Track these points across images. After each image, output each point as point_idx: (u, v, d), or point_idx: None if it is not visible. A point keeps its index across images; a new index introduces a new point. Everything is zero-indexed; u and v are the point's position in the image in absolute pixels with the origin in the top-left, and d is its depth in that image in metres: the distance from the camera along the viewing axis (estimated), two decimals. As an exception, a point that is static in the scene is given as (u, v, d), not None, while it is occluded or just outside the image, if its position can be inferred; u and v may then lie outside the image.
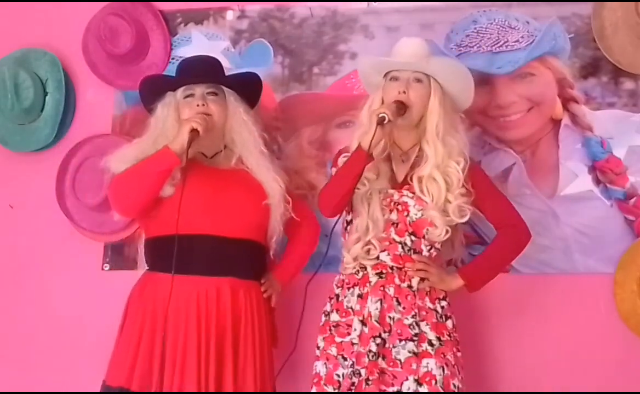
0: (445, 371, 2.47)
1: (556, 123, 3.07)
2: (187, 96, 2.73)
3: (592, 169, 3.01)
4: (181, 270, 2.58)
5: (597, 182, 3.00)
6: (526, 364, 2.94)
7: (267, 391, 2.68)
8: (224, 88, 2.78)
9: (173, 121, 2.71)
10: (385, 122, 2.48)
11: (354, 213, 2.64)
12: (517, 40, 3.10)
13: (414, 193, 2.59)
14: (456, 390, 2.48)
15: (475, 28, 3.15)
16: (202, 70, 2.78)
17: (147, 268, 2.77)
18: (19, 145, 3.42)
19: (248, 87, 2.85)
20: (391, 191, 2.62)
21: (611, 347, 2.90)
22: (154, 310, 2.60)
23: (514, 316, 2.95)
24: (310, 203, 3.05)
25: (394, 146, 2.67)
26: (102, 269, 3.31)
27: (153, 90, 2.80)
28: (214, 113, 2.71)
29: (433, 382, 2.45)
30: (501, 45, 3.11)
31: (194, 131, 2.58)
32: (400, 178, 2.64)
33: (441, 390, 2.44)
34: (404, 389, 2.44)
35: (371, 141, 2.48)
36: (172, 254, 2.56)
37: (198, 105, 2.69)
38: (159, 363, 2.54)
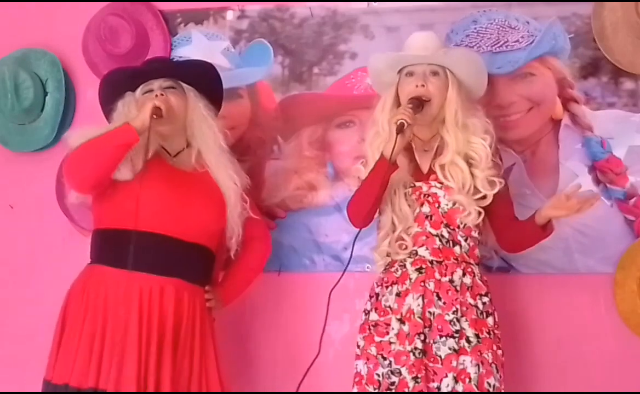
0: (481, 370, 2.45)
1: (556, 123, 3.07)
2: (146, 92, 2.73)
3: (592, 169, 3.01)
4: (126, 265, 2.55)
5: (597, 182, 3.00)
6: (526, 364, 2.94)
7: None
8: (184, 85, 2.76)
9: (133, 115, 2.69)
10: (405, 127, 2.48)
11: (380, 211, 2.64)
12: (517, 40, 3.11)
13: (442, 183, 2.58)
14: (491, 389, 2.45)
15: (475, 28, 3.15)
16: (159, 65, 2.80)
17: (90, 260, 2.74)
18: (19, 145, 3.42)
19: (208, 84, 2.82)
20: (419, 183, 2.61)
21: (611, 347, 2.90)
22: (96, 304, 2.58)
23: (514, 316, 2.95)
24: (309, 204, 3.06)
25: (414, 137, 2.67)
26: (102, 269, 3.31)
27: (114, 89, 2.78)
28: (173, 105, 2.69)
29: (467, 380, 2.43)
30: (501, 45, 3.11)
31: (156, 109, 2.56)
32: (425, 168, 2.64)
33: (475, 389, 2.42)
34: (443, 386, 2.43)
35: (392, 150, 2.48)
36: (120, 248, 2.55)
37: (157, 96, 2.67)
38: (97, 358, 2.52)
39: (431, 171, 2.62)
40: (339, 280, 2.58)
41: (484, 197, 2.58)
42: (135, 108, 2.71)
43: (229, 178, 2.74)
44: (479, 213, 2.57)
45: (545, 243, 2.95)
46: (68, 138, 2.70)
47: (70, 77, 3.44)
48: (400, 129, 2.47)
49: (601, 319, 2.93)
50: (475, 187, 2.58)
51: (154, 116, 2.56)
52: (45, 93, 3.41)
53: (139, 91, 2.75)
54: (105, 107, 2.80)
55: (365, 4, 3.27)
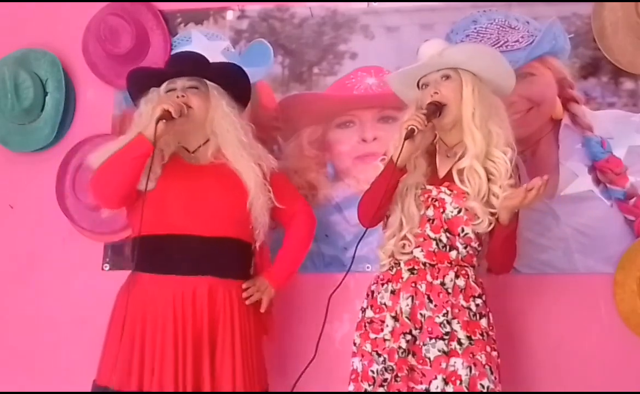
0: (473, 371, 2.43)
1: (556, 123, 3.07)
2: (169, 90, 2.73)
3: (592, 169, 3.01)
4: (159, 270, 2.60)
5: (597, 182, 3.00)
6: (526, 364, 2.94)
7: (251, 391, 2.65)
8: (208, 82, 2.76)
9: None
10: (415, 133, 2.46)
11: (390, 211, 2.62)
12: (517, 41, 3.11)
13: (452, 190, 2.56)
14: (485, 390, 2.43)
15: (475, 28, 3.15)
16: (185, 64, 2.77)
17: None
18: (19, 145, 3.42)
19: (235, 83, 2.82)
20: (429, 187, 2.59)
21: (611, 347, 2.90)
22: (134, 310, 2.60)
23: (514, 316, 2.95)
24: (309, 204, 3.06)
25: (440, 141, 2.66)
26: (102, 269, 3.31)
27: (139, 86, 2.79)
28: (194, 106, 2.69)
29: (458, 382, 2.42)
30: (501, 45, 3.10)
31: (165, 112, 2.56)
32: (442, 173, 2.62)
33: (466, 390, 2.41)
34: (432, 388, 2.42)
35: (399, 155, 2.47)
36: (151, 253, 2.58)
37: (178, 97, 2.68)
38: (138, 363, 2.54)
39: (447, 177, 2.60)
40: (340, 284, 2.57)
41: (493, 214, 2.54)
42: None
43: (249, 169, 2.70)
44: (490, 222, 2.53)
45: (545, 243, 2.97)
46: (90, 160, 2.72)
47: (70, 77, 3.45)
48: (409, 134, 2.45)
49: (601, 319, 2.93)
50: (487, 200, 2.53)
51: (163, 120, 2.55)
52: (45, 93, 3.41)
53: (163, 88, 2.75)
54: (136, 100, 2.82)
55: (365, 4, 3.27)
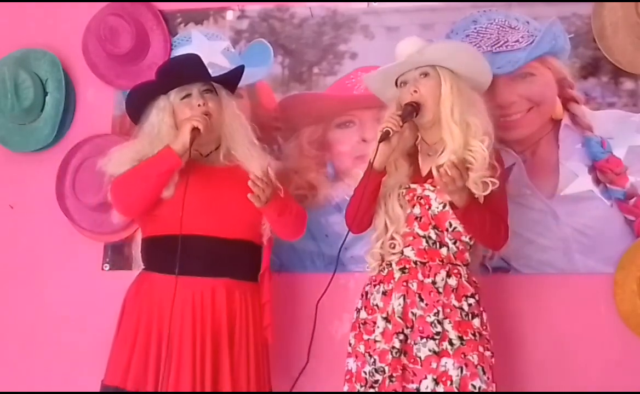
0: (464, 372, 2.43)
1: (556, 123, 3.07)
2: (184, 97, 2.73)
3: (592, 169, 3.01)
4: (175, 271, 2.58)
5: (597, 182, 3.00)
6: (526, 364, 2.94)
7: (263, 391, 2.69)
8: (215, 85, 2.78)
9: (169, 128, 2.70)
10: (390, 135, 2.48)
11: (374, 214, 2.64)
12: (517, 40, 3.11)
13: (435, 186, 2.56)
14: (476, 391, 2.43)
15: (475, 28, 3.15)
16: (195, 70, 2.74)
17: (143, 267, 2.78)
18: (19, 145, 3.42)
19: (232, 78, 2.87)
20: (414, 186, 2.60)
21: (611, 347, 2.90)
22: (150, 310, 2.61)
23: (514, 316, 2.95)
24: (309, 204, 3.06)
25: (421, 141, 2.67)
26: (102, 269, 3.31)
27: (143, 98, 2.77)
28: (213, 112, 2.71)
29: (449, 382, 2.42)
30: (501, 45, 3.11)
31: (195, 130, 2.59)
32: (424, 172, 2.63)
33: (456, 391, 2.41)
34: (422, 388, 2.42)
35: (374, 157, 2.48)
36: (168, 254, 2.57)
37: (199, 105, 2.69)
38: (154, 363, 2.55)
39: (430, 174, 2.60)
40: (325, 290, 2.61)
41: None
42: (170, 121, 2.71)
43: (261, 169, 2.70)
44: None
45: (545, 242, 2.97)
46: (105, 166, 2.72)
47: (70, 77, 3.45)
48: (384, 137, 2.48)
49: (601, 319, 2.92)
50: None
51: (194, 139, 2.59)
52: (45, 93, 3.41)
53: (174, 95, 2.74)
54: (134, 113, 2.81)
55: (365, 4, 3.27)
